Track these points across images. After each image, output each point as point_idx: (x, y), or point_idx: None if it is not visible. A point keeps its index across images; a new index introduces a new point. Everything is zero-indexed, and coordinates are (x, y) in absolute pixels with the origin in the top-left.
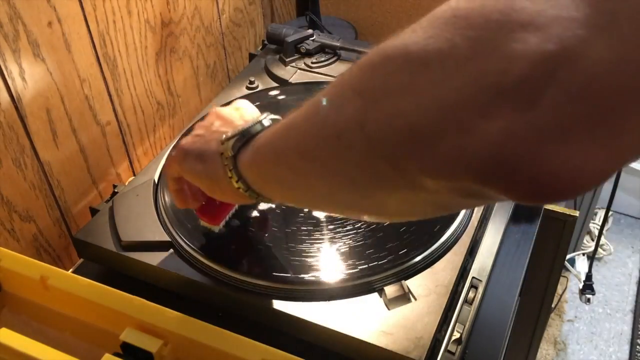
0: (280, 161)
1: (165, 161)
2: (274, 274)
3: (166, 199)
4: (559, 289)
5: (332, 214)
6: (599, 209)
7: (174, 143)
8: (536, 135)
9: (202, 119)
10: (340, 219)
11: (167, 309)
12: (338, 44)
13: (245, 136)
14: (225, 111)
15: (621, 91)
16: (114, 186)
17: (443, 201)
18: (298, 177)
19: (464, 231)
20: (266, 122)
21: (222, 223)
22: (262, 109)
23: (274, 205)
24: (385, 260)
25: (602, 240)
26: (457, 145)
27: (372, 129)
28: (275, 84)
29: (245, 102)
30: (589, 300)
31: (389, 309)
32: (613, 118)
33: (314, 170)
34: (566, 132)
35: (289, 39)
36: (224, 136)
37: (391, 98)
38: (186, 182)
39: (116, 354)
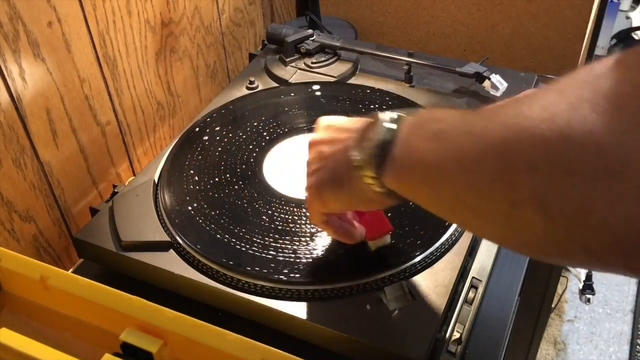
0: (435, 198)
1: (308, 213)
2: (274, 274)
3: (166, 199)
4: (559, 289)
5: None
6: None
7: (173, 143)
8: None
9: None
10: None
11: (167, 309)
12: (338, 44)
13: (378, 153)
14: (322, 134)
15: None
16: (114, 186)
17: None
18: (454, 216)
19: (464, 231)
20: (389, 125)
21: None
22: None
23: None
24: (386, 261)
25: None
26: None
27: (555, 211)
28: (275, 84)
29: (328, 117)
30: (589, 300)
31: (389, 309)
32: None
33: (477, 219)
34: None
35: (289, 39)
36: (352, 155)
37: (576, 187)
38: (338, 216)
39: (116, 354)
